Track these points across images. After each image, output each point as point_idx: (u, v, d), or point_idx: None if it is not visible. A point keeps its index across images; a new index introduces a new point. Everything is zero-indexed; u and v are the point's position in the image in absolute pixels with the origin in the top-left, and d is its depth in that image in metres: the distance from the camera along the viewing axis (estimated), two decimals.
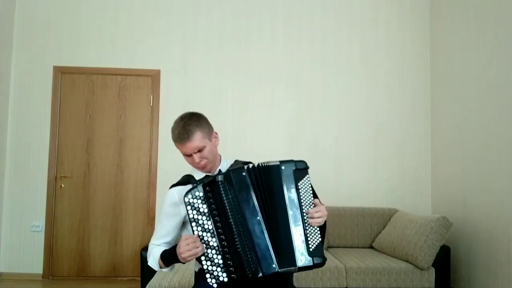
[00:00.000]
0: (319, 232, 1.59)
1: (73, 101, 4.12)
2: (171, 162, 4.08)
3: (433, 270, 3.12)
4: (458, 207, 3.63)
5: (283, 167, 1.59)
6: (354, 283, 3.05)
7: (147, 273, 2.95)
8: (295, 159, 1.63)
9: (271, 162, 1.61)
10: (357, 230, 3.77)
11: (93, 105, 4.13)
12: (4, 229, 4.00)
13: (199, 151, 1.68)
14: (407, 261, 3.18)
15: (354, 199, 4.05)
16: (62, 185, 4.05)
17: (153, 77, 4.16)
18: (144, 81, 4.17)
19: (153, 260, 1.74)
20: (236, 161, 1.86)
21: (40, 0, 4.17)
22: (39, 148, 4.06)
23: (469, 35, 3.56)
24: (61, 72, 4.12)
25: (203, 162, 1.69)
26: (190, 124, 1.67)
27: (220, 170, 1.78)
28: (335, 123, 4.19)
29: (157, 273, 2.89)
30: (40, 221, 4.01)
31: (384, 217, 3.82)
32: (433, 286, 3.09)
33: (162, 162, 4.10)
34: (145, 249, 3.09)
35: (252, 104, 4.15)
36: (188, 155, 1.69)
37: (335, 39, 4.26)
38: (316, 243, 1.57)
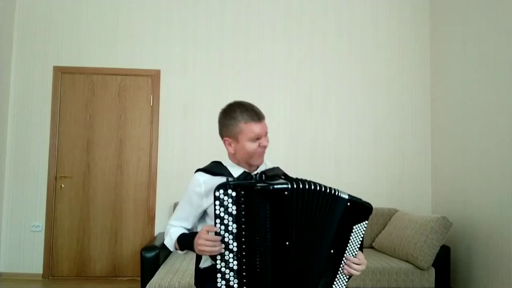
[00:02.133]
0: (348, 278, 1.55)
1: (73, 101, 4.12)
2: (171, 162, 4.09)
3: (433, 270, 3.12)
4: (458, 207, 3.63)
5: (348, 204, 1.49)
6: (354, 283, 3.05)
7: (147, 273, 2.95)
8: (362, 199, 1.52)
9: (341, 192, 1.49)
10: None
11: (93, 105, 4.13)
12: (4, 229, 4.00)
13: (265, 134, 1.66)
14: (407, 261, 3.18)
15: None
16: (62, 185, 4.05)
17: (153, 77, 4.16)
18: (144, 81, 4.17)
19: (169, 240, 1.69)
20: (277, 168, 1.75)
21: (40, 0, 4.17)
22: (39, 148, 4.06)
23: (469, 35, 3.56)
24: (61, 72, 4.12)
25: (266, 147, 1.66)
26: (257, 108, 1.66)
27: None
28: (335, 123, 4.19)
29: (157, 273, 2.89)
30: (40, 221, 4.01)
31: (384, 217, 3.82)
32: (433, 286, 3.10)
33: (162, 162, 4.10)
34: (145, 249, 3.10)
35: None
36: (258, 138, 1.62)
37: (335, 39, 4.26)
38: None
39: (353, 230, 1.50)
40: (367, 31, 4.27)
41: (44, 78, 4.11)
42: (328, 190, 1.47)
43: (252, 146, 1.61)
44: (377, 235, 3.74)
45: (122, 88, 4.16)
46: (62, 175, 4.06)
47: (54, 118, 4.08)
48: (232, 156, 1.70)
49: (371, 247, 3.73)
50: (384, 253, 3.49)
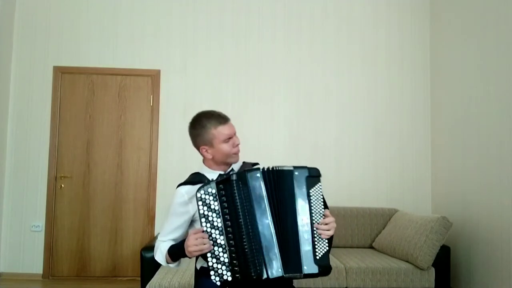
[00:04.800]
0: (326, 241, 1.60)
1: (73, 101, 4.12)
2: (171, 162, 4.09)
3: (433, 270, 3.12)
4: (458, 207, 3.63)
5: (296, 173, 1.60)
6: (354, 283, 3.05)
7: (147, 273, 2.95)
8: (308, 165, 1.64)
9: (284, 166, 1.62)
10: (357, 230, 3.77)
11: (93, 105, 4.13)
12: (4, 229, 4.00)
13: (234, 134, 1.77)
14: (407, 261, 3.18)
15: (354, 199, 4.05)
16: (62, 185, 4.05)
17: (153, 77, 4.16)
18: (144, 81, 4.17)
19: (160, 255, 1.73)
20: (244, 162, 1.88)
21: (40, 0, 4.17)
22: (39, 148, 4.06)
23: (469, 35, 3.56)
24: (61, 72, 4.12)
25: (239, 145, 1.77)
26: (221, 112, 1.79)
27: (232, 169, 1.80)
28: (335, 123, 4.19)
29: (157, 273, 2.89)
30: (40, 221, 4.01)
31: (384, 217, 3.82)
32: (433, 286, 3.09)
33: (162, 162, 4.10)
34: (145, 249, 3.10)
35: (252, 104, 4.15)
36: (230, 137, 1.73)
37: (335, 39, 4.26)
38: (323, 252, 1.58)
39: (311, 194, 1.60)
40: (367, 31, 4.27)
41: (44, 78, 4.11)
42: (281, 167, 1.61)
43: (227, 147, 1.74)
44: (377, 235, 3.74)
45: (122, 88, 4.16)
46: (62, 175, 4.06)
47: (54, 118, 4.08)
48: (210, 161, 1.81)
49: (371, 247, 3.74)
50: (384, 253, 3.49)
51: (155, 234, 4.01)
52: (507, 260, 3.00)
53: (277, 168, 1.60)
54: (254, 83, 4.18)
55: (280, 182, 1.59)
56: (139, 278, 3.12)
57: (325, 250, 1.58)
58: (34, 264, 3.99)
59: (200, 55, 4.19)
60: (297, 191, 1.59)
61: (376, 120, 4.21)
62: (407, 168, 4.18)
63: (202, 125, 1.73)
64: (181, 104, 4.14)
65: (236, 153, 1.78)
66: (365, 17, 4.28)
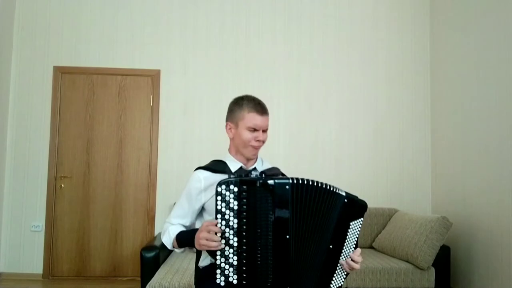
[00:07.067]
0: (345, 275, 1.57)
1: (73, 101, 4.12)
2: (171, 162, 4.09)
3: (433, 270, 3.12)
4: (458, 207, 3.63)
5: (346, 200, 1.53)
6: (354, 283, 3.05)
7: (147, 273, 2.95)
8: (358, 196, 1.57)
9: (338, 189, 1.52)
10: None
11: (93, 105, 4.13)
12: (4, 229, 4.00)
13: (265, 131, 1.72)
14: (407, 261, 3.18)
15: None
16: (62, 185, 4.05)
17: (153, 77, 4.16)
18: (144, 81, 4.17)
19: (167, 238, 1.70)
20: (274, 168, 1.82)
21: (40, 0, 4.17)
22: (39, 148, 4.06)
23: (469, 35, 3.56)
24: (61, 72, 4.12)
25: (261, 144, 1.71)
26: (264, 104, 1.75)
27: (255, 168, 1.75)
28: (335, 123, 4.19)
29: (157, 273, 2.89)
30: (40, 221, 4.02)
31: (384, 217, 3.82)
32: (433, 286, 3.10)
33: (162, 162, 4.10)
34: (145, 249, 3.10)
35: None
36: (255, 130, 1.68)
37: (335, 39, 4.26)
38: (338, 285, 1.55)
39: (350, 227, 1.54)
40: (367, 31, 4.27)
41: (44, 78, 4.11)
42: (326, 187, 1.51)
43: (247, 135, 1.68)
44: (377, 235, 3.74)
45: (122, 88, 4.16)
46: (62, 175, 4.06)
47: (54, 118, 4.08)
48: (231, 144, 1.77)
49: (371, 247, 3.74)
50: (384, 253, 3.49)
51: (155, 234, 4.01)
52: (507, 260, 3.00)
53: (333, 189, 1.50)
54: (254, 83, 4.17)
55: (322, 202, 1.49)
56: (139, 278, 3.12)
57: (341, 284, 1.56)
58: (34, 264, 3.99)
59: (200, 55, 4.19)
60: (339, 218, 1.51)
61: (376, 119, 4.21)
62: (407, 168, 4.18)
63: (240, 103, 1.72)
64: (181, 104, 4.14)
65: (255, 147, 1.70)
66: (365, 17, 4.28)
